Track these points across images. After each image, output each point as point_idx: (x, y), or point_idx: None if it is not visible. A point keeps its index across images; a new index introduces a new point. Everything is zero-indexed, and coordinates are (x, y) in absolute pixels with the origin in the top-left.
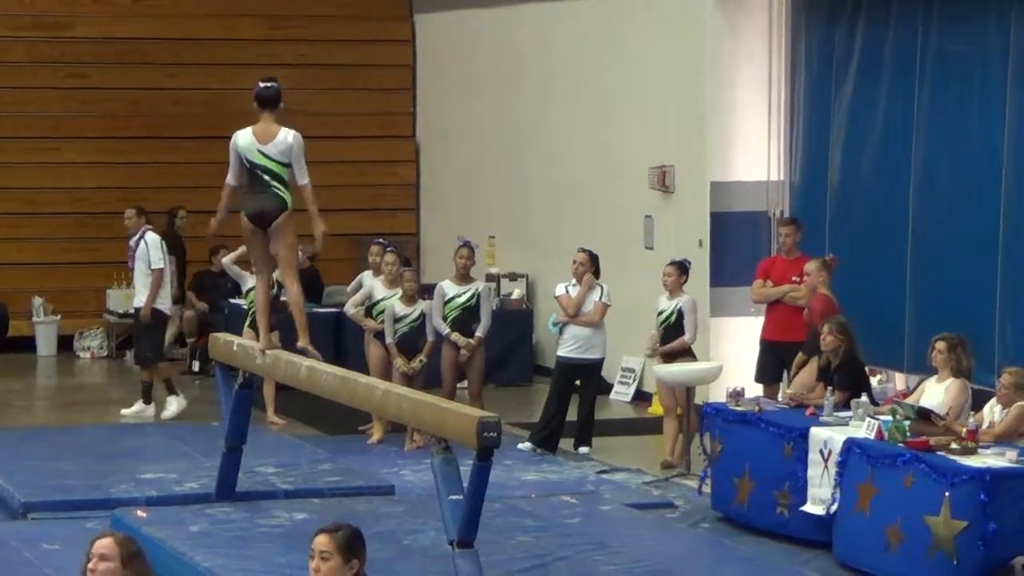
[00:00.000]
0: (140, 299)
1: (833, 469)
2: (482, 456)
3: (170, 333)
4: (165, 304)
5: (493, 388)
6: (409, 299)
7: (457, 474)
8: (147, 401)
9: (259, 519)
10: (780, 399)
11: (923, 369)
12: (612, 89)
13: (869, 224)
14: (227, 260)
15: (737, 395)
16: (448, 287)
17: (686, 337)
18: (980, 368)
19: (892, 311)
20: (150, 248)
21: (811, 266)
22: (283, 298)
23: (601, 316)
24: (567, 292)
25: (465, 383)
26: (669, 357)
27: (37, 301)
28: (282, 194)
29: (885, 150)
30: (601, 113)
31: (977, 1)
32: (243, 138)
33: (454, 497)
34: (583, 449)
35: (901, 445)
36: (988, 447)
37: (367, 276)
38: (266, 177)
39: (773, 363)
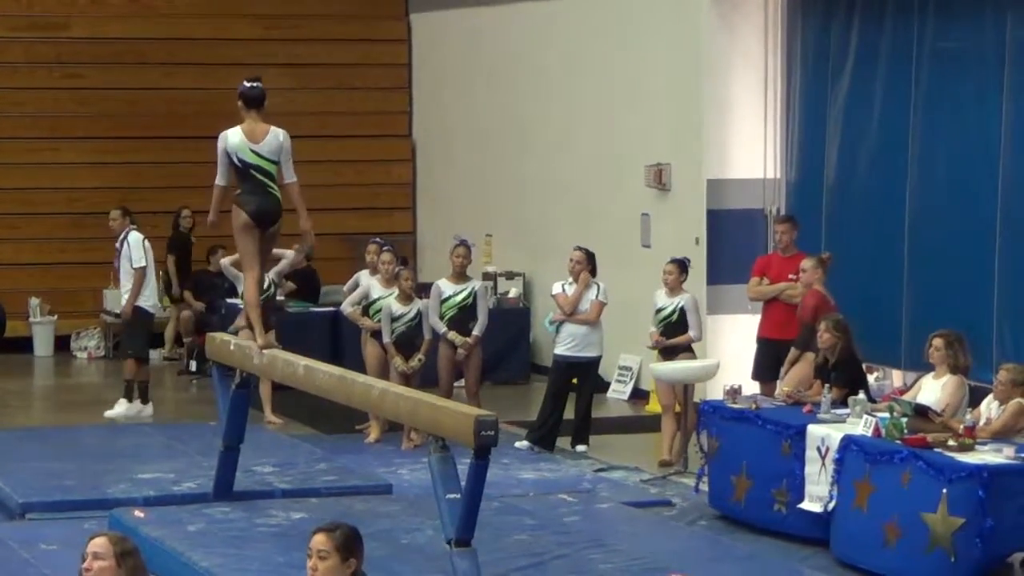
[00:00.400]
0: (124, 297)
1: (830, 466)
2: (479, 455)
3: (169, 332)
4: (149, 302)
5: (490, 386)
6: (406, 298)
7: (454, 473)
8: (144, 400)
9: (257, 518)
10: (777, 396)
11: (920, 366)
12: (609, 87)
13: (865, 221)
14: (225, 261)
15: (734, 393)
16: (445, 286)
17: (692, 334)
18: (978, 365)
19: (889, 308)
20: (132, 248)
21: (807, 263)
22: (280, 297)
23: (598, 314)
24: (564, 290)
25: (462, 382)
26: (668, 355)
27: (34, 301)
28: (278, 195)
29: (881, 147)
30: (598, 111)
31: None
32: (234, 137)
33: (451, 496)
34: (580, 447)
35: (898, 442)
36: (985, 444)
37: (364, 275)
38: (260, 176)
39: (770, 361)
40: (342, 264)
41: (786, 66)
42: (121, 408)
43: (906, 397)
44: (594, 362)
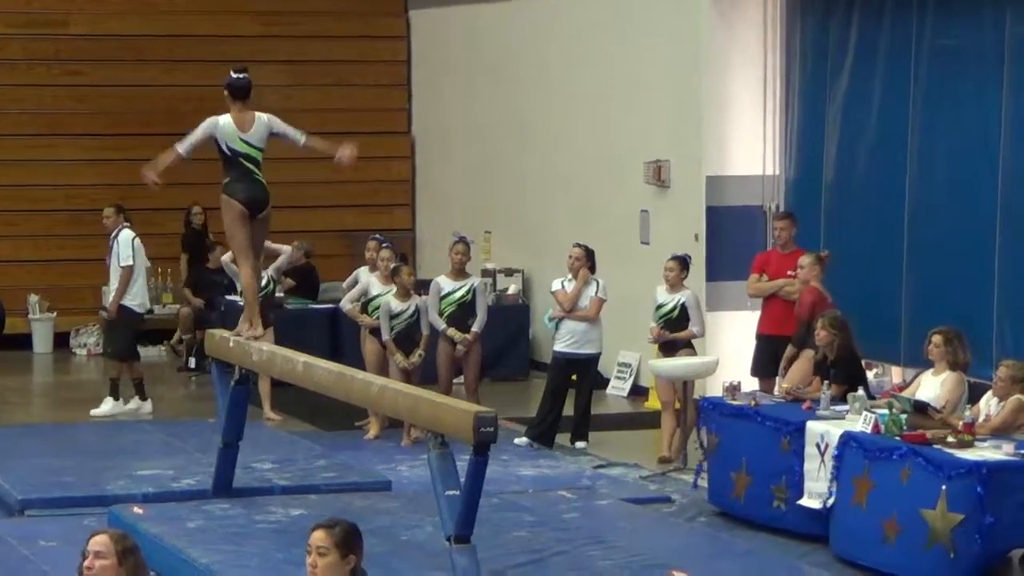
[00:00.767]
0: (111, 295)
1: (830, 463)
2: (479, 451)
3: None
4: (135, 302)
5: (489, 383)
6: (404, 294)
7: (454, 469)
8: (142, 397)
9: (256, 515)
10: (776, 393)
11: (920, 362)
12: (608, 84)
13: (865, 217)
14: (226, 258)
15: (733, 389)
16: (444, 282)
17: (695, 329)
18: (977, 361)
19: (888, 304)
20: (120, 246)
21: (805, 260)
22: (279, 293)
23: (597, 311)
24: (563, 287)
25: (461, 378)
26: (668, 351)
27: (33, 298)
28: (263, 181)
29: (880, 144)
30: (597, 108)
31: None
32: (225, 125)
33: (451, 492)
34: (580, 444)
35: (898, 439)
36: (985, 440)
37: (363, 272)
38: (248, 164)
39: (769, 357)
40: (341, 261)
41: (785, 63)
42: (107, 407)
43: (905, 394)
44: (593, 359)
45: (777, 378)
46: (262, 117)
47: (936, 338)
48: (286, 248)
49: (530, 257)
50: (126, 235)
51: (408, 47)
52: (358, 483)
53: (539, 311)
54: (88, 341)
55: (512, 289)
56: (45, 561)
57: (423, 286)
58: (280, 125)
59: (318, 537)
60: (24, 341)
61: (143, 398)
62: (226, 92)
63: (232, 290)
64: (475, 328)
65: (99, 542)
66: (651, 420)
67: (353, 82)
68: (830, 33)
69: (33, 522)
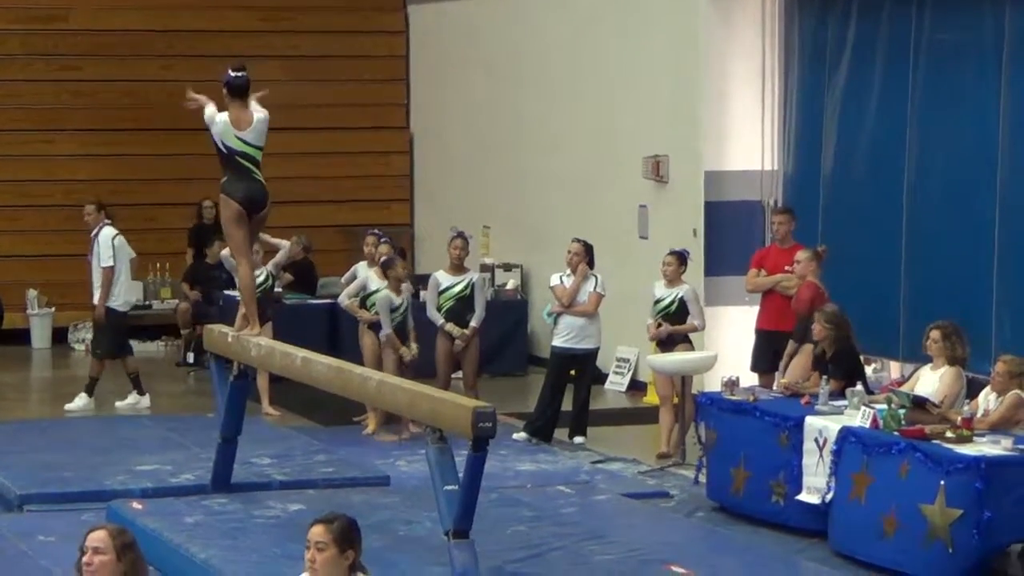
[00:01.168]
0: (95, 294)
1: (828, 458)
2: (477, 446)
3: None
4: (118, 301)
5: (488, 378)
6: (396, 289)
7: (452, 464)
8: (140, 392)
9: (254, 510)
10: (775, 388)
11: (918, 357)
12: (606, 79)
13: (863, 213)
14: (225, 253)
15: (732, 384)
16: (442, 277)
17: (696, 323)
18: (976, 356)
19: (887, 299)
20: (101, 246)
21: (802, 255)
22: (277, 289)
23: (596, 306)
24: (562, 282)
25: (460, 373)
26: (666, 346)
27: (32, 293)
28: (263, 180)
29: (879, 139)
30: (596, 103)
31: None
32: (221, 122)
33: (449, 487)
34: (578, 439)
35: (896, 434)
36: (983, 435)
37: (361, 267)
38: (246, 163)
39: (768, 352)
40: (339, 256)
41: (784, 58)
42: (80, 402)
43: (904, 389)
44: (592, 354)
45: (776, 374)
46: (259, 115)
47: (935, 333)
48: (284, 243)
49: (528, 252)
50: (107, 234)
51: (406, 42)
52: (357, 478)
53: (537, 306)
54: (86, 336)
55: (510, 284)
56: (44, 556)
57: (421, 281)
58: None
59: (317, 532)
60: (23, 336)
61: (141, 392)
62: (224, 90)
63: (231, 284)
64: (473, 323)
65: (97, 538)
66: (649, 415)
67: (351, 77)
68: (828, 28)
69: (32, 517)
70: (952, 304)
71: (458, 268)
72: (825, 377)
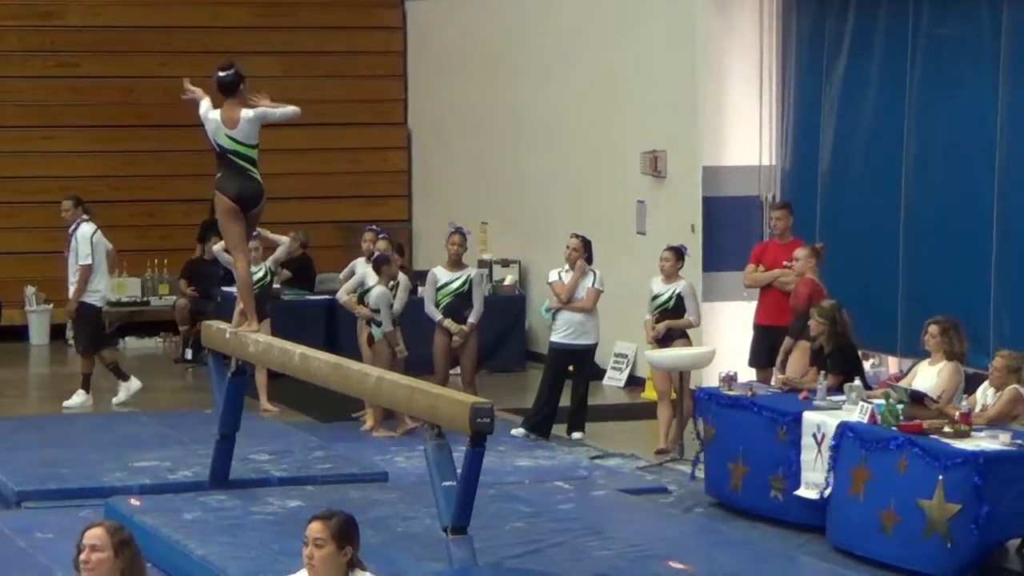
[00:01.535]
0: (71, 290)
1: (826, 453)
2: (475, 442)
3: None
4: (95, 296)
5: (486, 374)
6: (387, 284)
7: (450, 460)
8: (124, 378)
9: (253, 507)
10: (773, 384)
11: (916, 353)
12: (604, 75)
13: (861, 208)
14: (217, 248)
15: (730, 380)
16: (440, 273)
17: (692, 319)
18: (974, 351)
19: (885, 295)
20: (79, 243)
21: (801, 252)
22: (276, 285)
23: (594, 302)
24: (560, 278)
25: (458, 369)
26: (664, 342)
27: (30, 290)
28: (259, 178)
29: (877, 134)
30: (593, 99)
31: None
32: (213, 119)
33: (447, 483)
34: (576, 435)
35: (894, 429)
36: (981, 430)
37: (360, 263)
38: (238, 160)
39: (766, 348)
40: (337, 252)
41: (781, 53)
42: (78, 399)
43: (902, 384)
44: (590, 349)
45: (774, 369)
46: (248, 114)
47: (933, 328)
48: (284, 239)
49: (526, 248)
50: (85, 230)
51: (404, 38)
52: (355, 474)
53: (536, 302)
54: None
55: (508, 280)
56: (42, 553)
57: (419, 277)
58: (274, 114)
59: (315, 528)
60: (21, 332)
61: (125, 379)
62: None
63: (229, 281)
64: (471, 319)
65: (94, 535)
66: (647, 411)
67: (349, 73)
68: (826, 23)
69: (30, 514)
70: (950, 299)
71: (456, 264)
72: (823, 372)
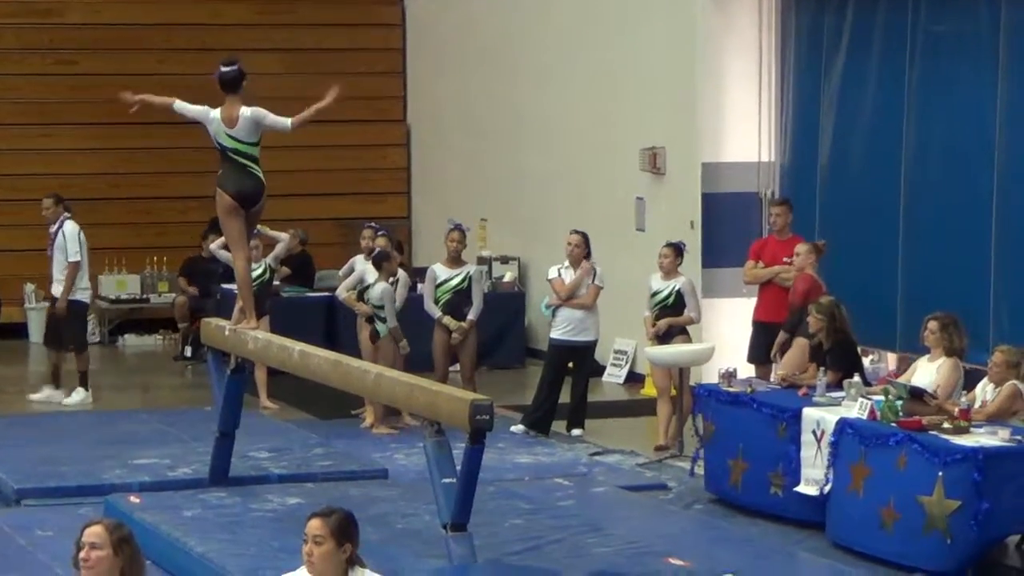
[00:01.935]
0: (56, 287)
1: (826, 449)
2: (475, 439)
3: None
4: (85, 295)
5: (485, 371)
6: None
7: (450, 457)
8: (58, 386)
9: (252, 504)
10: (772, 380)
11: (916, 349)
12: (603, 72)
13: (860, 204)
14: (215, 246)
15: (729, 376)
16: (440, 270)
17: (692, 315)
18: (974, 347)
19: (884, 291)
20: (68, 240)
21: (802, 247)
22: (276, 282)
23: (594, 299)
24: (559, 275)
25: (457, 366)
26: (664, 338)
27: (29, 287)
28: (260, 175)
29: (876, 130)
30: (592, 96)
31: None
32: (214, 117)
33: (447, 480)
34: (576, 431)
35: (894, 425)
36: (981, 426)
37: (359, 260)
38: (240, 159)
39: (765, 344)
40: (337, 249)
41: (780, 49)
42: (77, 397)
43: (901, 380)
44: (590, 346)
45: (774, 365)
46: (246, 112)
47: (932, 324)
48: (283, 236)
49: (526, 244)
50: (72, 228)
51: (403, 35)
52: (354, 471)
53: (535, 298)
54: None
55: (508, 277)
56: (42, 550)
57: (419, 274)
58: (267, 119)
59: (314, 526)
60: (20, 330)
61: (58, 387)
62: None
63: (228, 278)
64: (471, 316)
65: (94, 533)
66: (647, 407)
67: (348, 70)
68: (825, 19)
69: (29, 512)
70: (949, 295)
71: (455, 261)
72: (822, 368)
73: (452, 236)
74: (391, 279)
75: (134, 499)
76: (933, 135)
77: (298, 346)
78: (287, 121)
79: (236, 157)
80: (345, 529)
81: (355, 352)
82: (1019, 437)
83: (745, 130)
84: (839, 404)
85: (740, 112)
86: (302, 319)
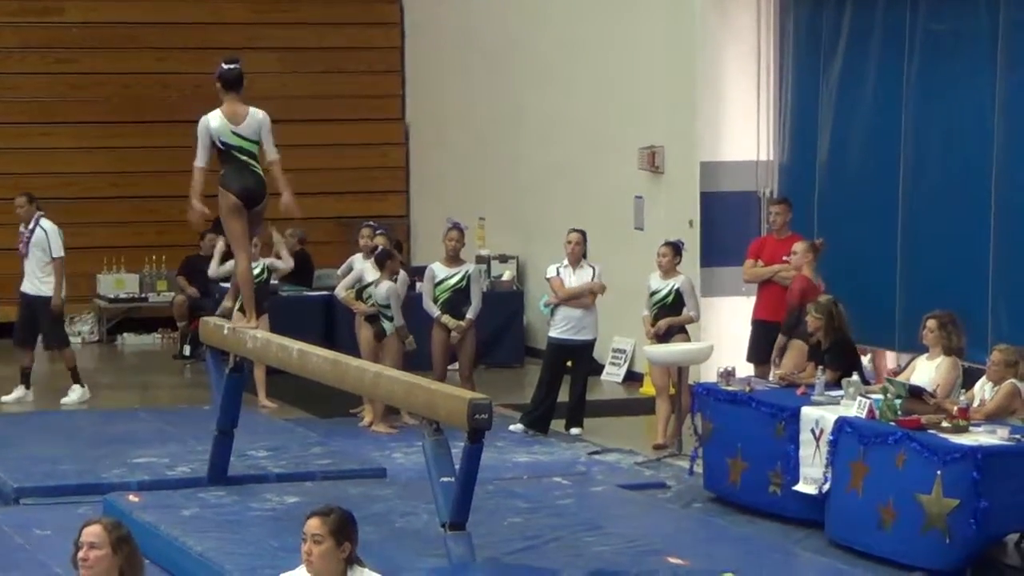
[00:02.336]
0: (32, 285)
1: (825, 448)
2: (473, 438)
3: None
4: (64, 291)
5: (484, 370)
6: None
7: (449, 456)
8: (79, 383)
9: (251, 503)
10: (771, 379)
11: (914, 347)
12: (602, 70)
13: (859, 203)
14: (212, 272)
15: (728, 375)
16: (438, 269)
17: (692, 314)
18: (973, 345)
19: (883, 289)
20: (50, 237)
21: (799, 246)
22: (273, 281)
23: (594, 297)
24: (558, 274)
25: (456, 365)
26: (663, 337)
27: None
28: (261, 173)
29: (874, 129)
30: (591, 94)
31: None
32: (215, 120)
33: (446, 479)
34: (575, 430)
35: (893, 424)
36: (979, 425)
37: (357, 259)
38: (243, 157)
39: (764, 343)
40: (335, 248)
41: (779, 48)
42: (75, 395)
43: (900, 378)
44: (589, 345)
45: (772, 365)
46: (257, 114)
47: (931, 323)
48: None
49: (524, 243)
50: (51, 225)
51: (402, 33)
52: (353, 470)
53: (534, 297)
54: (82, 329)
55: (506, 275)
56: (40, 550)
57: (417, 273)
58: (267, 132)
59: (313, 525)
60: None
61: (28, 386)
62: (218, 84)
63: (226, 277)
64: (469, 315)
65: (92, 533)
66: (646, 406)
67: (346, 69)
68: (824, 18)
69: (28, 511)
70: (948, 293)
71: (454, 260)
72: (821, 367)
73: (451, 235)
74: (393, 277)
75: (133, 498)
76: (932, 134)
77: (297, 345)
78: (276, 156)
79: (239, 155)
80: (344, 528)
81: (354, 351)
82: (1018, 436)
83: (744, 129)
84: (838, 403)
85: (739, 111)
86: (301, 318)
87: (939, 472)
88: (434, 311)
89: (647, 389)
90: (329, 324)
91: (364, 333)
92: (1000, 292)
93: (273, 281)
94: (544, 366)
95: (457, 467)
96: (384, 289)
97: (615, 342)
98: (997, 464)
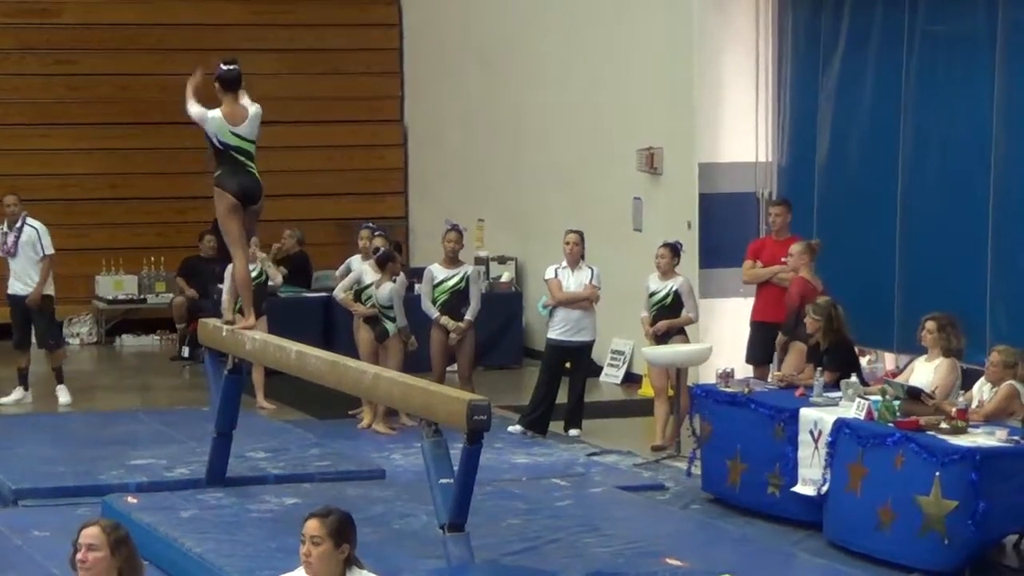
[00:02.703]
0: (22, 284)
1: (823, 450)
2: (472, 439)
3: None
4: (51, 289)
5: (483, 371)
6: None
7: (447, 458)
8: (26, 387)
9: (250, 504)
10: (770, 380)
11: (913, 349)
12: (600, 71)
13: (857, 204)
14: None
15: (727, 376)
16: (437, 271)
17: (691, 315)
18: (971, 347)
19: (881, 291)
20: (41, 235)
21: (796, 248)
22: (271, 283)
23: (592, 297)
24: (557, 275)
25: (455, 366)
26: (661, 338)
27: None
28: (257, 173)
29: (873, 130)
30: (589, 95)
31: None
32: (214, 117)
33: (444, 481)
34: (573, 431)
35: (891, 425)
36: (978, 426)
37: (356, 260)
38: (241, 157)
39: (763, 344)
40: (334, 249)
41: (778, 49)
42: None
43: (899, 380)
44: (587, 346)
45: (771, 366)
46: (254, 110)
47: (929, 324)
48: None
49: (523, 245)
50: (39, 224)
51: (400, 34)
52: (352, 472)
53: (532, 298)
54: (81, 331)
55: (505, 277)
56: (38, 551)
57: (416, 274)
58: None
59: (312, 526)
60: None
61: (26, 388)
62: (216, 84)
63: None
64: (468, 316)
65: (91, 534)
66: (644, 407)
67: (345, 70)
68: (822, 19)
69: (26, 512)
70: (947, 295)
71: (453, 261)
72: (820, 369)
73: (449, 236)
74: (393, 279)
75: (131, 499)
76: (930, 135)
77: (295, 346)
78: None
79: (236, 155)
80: (343, 529)
81: (352, 352)
82: (1016, 437)
83: (742, 130)
84: (836, 404)
85: (737, 112)
86: (299, 319)
87: (938, 473)
88: (433, 312)
89: (646, 390)
90: (328, 325)
91: (363, 334)
92: (999, 293)
93: (270, 283)
94: (543, 367)
95: (456, 468)
96: (387, 291)
97: (614, 343)
98: (996, 465)
